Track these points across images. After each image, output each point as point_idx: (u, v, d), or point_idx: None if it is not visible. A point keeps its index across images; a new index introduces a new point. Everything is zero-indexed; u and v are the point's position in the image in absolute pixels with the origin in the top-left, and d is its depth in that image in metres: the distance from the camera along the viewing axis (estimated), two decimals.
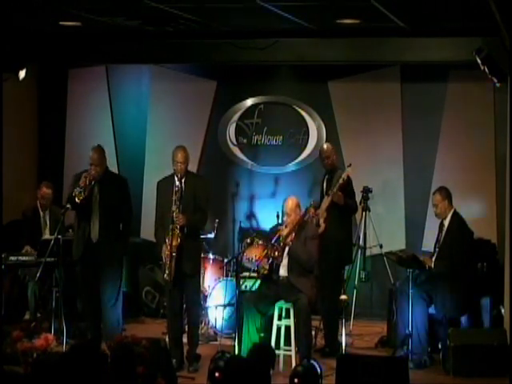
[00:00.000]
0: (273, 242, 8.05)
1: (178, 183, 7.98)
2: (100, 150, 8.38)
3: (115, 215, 8.36)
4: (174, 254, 7.86)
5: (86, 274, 8.37)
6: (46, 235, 9.45)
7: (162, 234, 8.00)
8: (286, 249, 8.06)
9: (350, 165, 8.85)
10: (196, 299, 8.37)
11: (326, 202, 8.66)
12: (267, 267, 8.13)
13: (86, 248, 8.27)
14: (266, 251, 8.08)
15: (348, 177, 8.68)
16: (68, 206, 8.50)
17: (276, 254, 8.00)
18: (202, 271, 8.96)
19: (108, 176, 8.44)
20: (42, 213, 9.80)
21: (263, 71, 10.86)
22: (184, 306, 8.27)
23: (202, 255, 8.99)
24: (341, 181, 8.61)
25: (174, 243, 7.87)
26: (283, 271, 8.11)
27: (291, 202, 8.19)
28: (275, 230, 8.34)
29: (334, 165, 8.97)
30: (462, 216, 8.55)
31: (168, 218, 7.92)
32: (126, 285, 9.99)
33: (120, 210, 8.37)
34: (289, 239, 8.07)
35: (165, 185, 8.14)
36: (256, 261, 8.93)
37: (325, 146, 9.14)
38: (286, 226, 8.15)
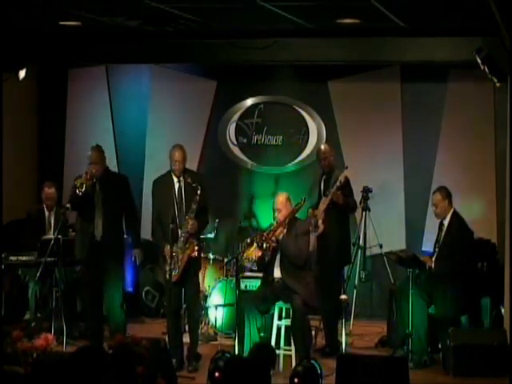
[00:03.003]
0: (264, 233, 8.04)
1: (177, 185, 8.02)
2: (98, 148, 8.46)
3: (118, 213, 8.41)
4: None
5: (90, 274, 8.39)
6: (50, 236, 9.44)
7: (160, 232, 8.03)
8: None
9: (347, 167, 8.86)
10: (196, 299, 8.37)
11: (325, 202, 8.64)
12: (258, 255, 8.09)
13: (91, 247, 8.29)
14: (256, 242, 8.03)
15: (346, 178, 8.68)
16: (68, 205, 8.50)
17: (265, 245, 7.96)
18: (202, 271, 8.96)
19: (108, 175, 8.49)
20: (47, 213, 9.80)
21: (263, 71, 10.85)
22: (184, 305, 8.28)
23: (202, 255, 8.99)
24: (338, 183, 8.61)
25: (192, 254, 7.92)
26: (277, 272, 8.10)
27: (281, 197, 8.21)
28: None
29: (332, 165, 8.97)
30: (461, 216, 8.55)
31: (167, 217, 7.94)
32: (126, 285, 9.97)
33: (124, 207, 8.42)
34: (278, 231, 8.04)
35: (162, 183, 8.16)
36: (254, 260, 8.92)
37: (322, 147, 9.14)
38: (277, 222, 8.15)
